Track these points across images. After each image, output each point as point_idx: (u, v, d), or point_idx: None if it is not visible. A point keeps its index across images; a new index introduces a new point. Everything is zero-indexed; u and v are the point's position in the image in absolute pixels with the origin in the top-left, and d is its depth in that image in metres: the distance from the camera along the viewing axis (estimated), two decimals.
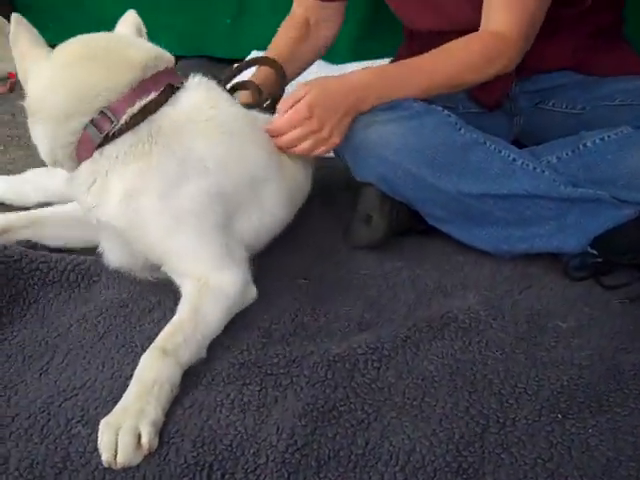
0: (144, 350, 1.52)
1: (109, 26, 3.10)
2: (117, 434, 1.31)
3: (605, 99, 2.08)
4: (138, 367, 1.45)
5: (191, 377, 1.50)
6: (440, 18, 2.09)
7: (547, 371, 1.53)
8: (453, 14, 2.06)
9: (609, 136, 1.88)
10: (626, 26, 2.22)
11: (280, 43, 2.28)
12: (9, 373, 1.52)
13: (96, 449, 1.32)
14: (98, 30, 3.27)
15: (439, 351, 1.60)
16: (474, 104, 2.20)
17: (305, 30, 2.30)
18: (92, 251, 1.84)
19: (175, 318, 1.58)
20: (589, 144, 1.88)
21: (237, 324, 1.67)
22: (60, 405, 1.42)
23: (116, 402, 1.41)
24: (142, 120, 1.61)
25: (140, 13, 3.27)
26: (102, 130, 1.60)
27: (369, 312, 1.74)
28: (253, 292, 1.71)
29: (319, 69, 3.03)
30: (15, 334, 1.64)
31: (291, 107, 1.77)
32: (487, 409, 1.43)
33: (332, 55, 3.11)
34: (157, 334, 1.56)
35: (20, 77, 1.68)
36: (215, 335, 1.60)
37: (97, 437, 1.33)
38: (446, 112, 1.91)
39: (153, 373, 1.43)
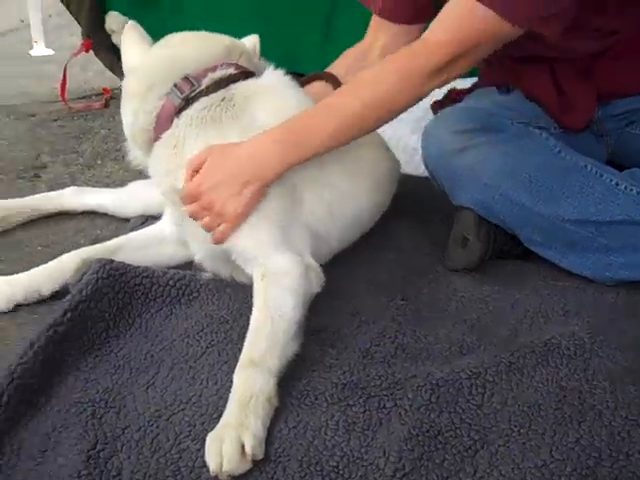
0: None
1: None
2: (222, 446, 1.33)
3: None
4: (233, 382, 1.47)
5: (294, 396, 1.51)
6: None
7: None
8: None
9: None
10: None
11: (339, 63, 2.18)
12: (117, 385, 1.55)
13: (205, 465, 1.33)
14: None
15: (544, 378, 1.56)
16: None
17: (366, 53, 2.14)
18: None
19: (252, 322, 1.58)
20: None
21: (337, 343, 1.67)
22: (168, 419, 1.44)
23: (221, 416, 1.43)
24: (219, 88, 1.72)
25: (228, 28, 3.37)
26: (182, 91, 1.70)
27: (469, 335, 1.72)
28: (320, 277, 1.72)
29: None
30: (121, 347, 1.66)
31: (192, 173, 1.67)
32: (598, 441, 1.40)
33: None
34: None
35: (124, 68, 1.85)
36: (295, 324, 1.58)
37: (205, 452, 1.34)
38: (544, 135, 1.89)
39: (247, 387, 1.44)
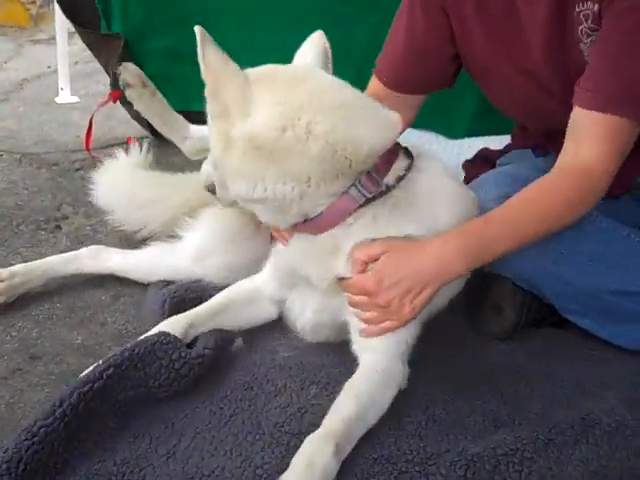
0: (272, 437, 1.51)
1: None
2: None
3: None
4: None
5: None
6: (546, 122, 1.98)
7: None
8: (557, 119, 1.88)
9: None
10: None
11: None
12: (136, 455, 1.48)
13: None
14: None
15: (584, 456, 1.49)
16: None
17: None
18: None
19: (349, 406, 1.52)
20: None
21: None
22: None
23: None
24: (398, 183, 1.59)
25: (257, 45, 3.36)
26: (369, 191, 1.55)
27: (504, 408, 1.65)
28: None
29: (436, 144, 3.05)
30: (143, 413, 1.60)
31: (363, 265, 1.59)
32: None
33: (450, 129, 3.12)
34: (285, 420, 1.55)
35: (209, 93, 1.57)
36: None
37: None
38: None
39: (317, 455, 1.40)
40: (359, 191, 1.54)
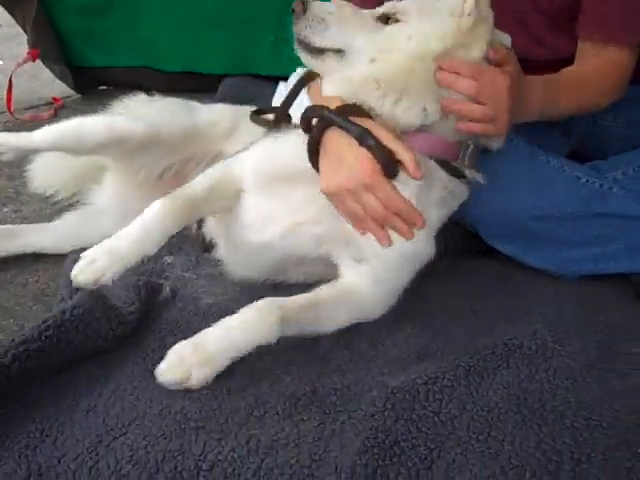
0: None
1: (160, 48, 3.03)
2: None
3: None
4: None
5: (245, 410, 1.44)
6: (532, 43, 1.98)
7: (622, 401, 1.44)
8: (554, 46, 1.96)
9: None
10: None
11: None
12: (57, 411, 1.45)
13: None
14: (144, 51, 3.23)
15: (504, 380, 1.51)
16: None
17: None
18: None
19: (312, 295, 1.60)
20: None
21: (290, 353, 1.60)
22: (109, 445, 1.36)
23: (166, 438, 1.37)
24: None
25: (184, 33, 3.32)
26: None
27: (428, 340, 1.66)
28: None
29: None
30: (71, 370, 1.56)
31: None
32: (559, 444, 1.34)
33: None
34: None
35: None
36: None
37: (147, 476, 1.28)
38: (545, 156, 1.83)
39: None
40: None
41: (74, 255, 1.93)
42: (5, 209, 2.34)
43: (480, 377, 1.51)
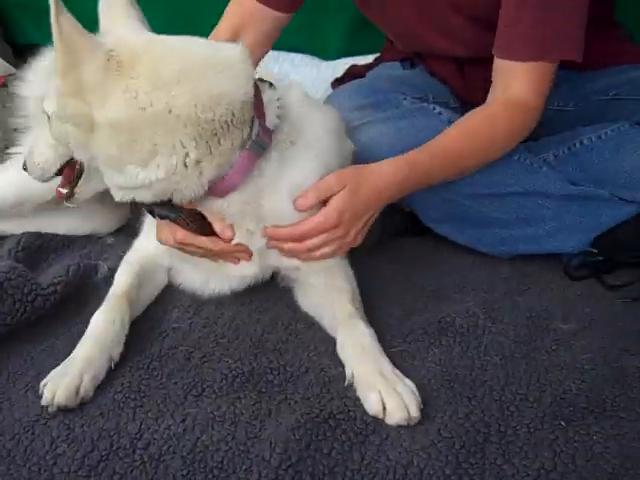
0: (132, 361, 1.53)
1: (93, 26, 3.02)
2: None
3: (598, 94, 2.00)
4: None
5: (182, 389, 1.46)
6: (454, 44, 1.97)
7: (549, 375, 1.49)
8: (469, 40, 1.94)
9: (606, 133, 1.82)
10: (619, 9, 2.10)
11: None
12: None
13: (81, 468, 1.28)
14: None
15: (437, 358, 1.55)
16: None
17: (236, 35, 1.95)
18: None
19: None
20: (585, 142, 1.83)
21: (228, 333, 1.63)
22: (46, 423, 1.37)
23: (103, 417, 1.38)
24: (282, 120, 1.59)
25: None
26: (266, 140, 1.52)
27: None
28: None
29: (310, 66, 3.02)
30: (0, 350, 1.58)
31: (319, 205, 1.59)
32: (488, 417, 1.38)
33: (323, 51, 3.09)
34: (144, 345, 1.58)
35: (61, 69, 1.38)
36: None
37: (82, 455, 1.30)
38: (437, 110, 1.86)
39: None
40: (255, 143, 1.50)
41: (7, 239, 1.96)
42: None
43: (412, 357, 1.55)
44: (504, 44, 1.72)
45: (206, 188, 1.49)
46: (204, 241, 1.58)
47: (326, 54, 3.06)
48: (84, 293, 1.77)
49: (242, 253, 1.62)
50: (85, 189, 1.58)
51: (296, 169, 1.57)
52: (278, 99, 1.57)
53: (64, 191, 1.59)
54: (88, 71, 1.37)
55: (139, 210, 1.83)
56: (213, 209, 1.56)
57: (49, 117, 1.49)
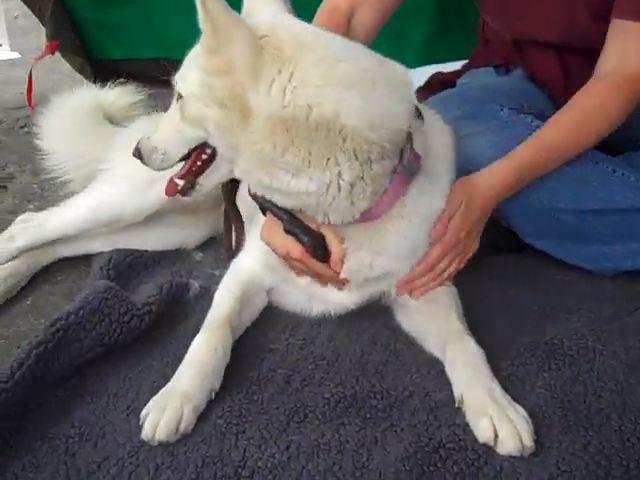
0: (232, 383, 1.48)
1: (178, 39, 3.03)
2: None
3: None
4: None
5: (284, 414, 1.42)
6: (552, 28, 1.90)
7: None
8: (569, 24, 1.87)
9: None
10: None
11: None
12: (94, 414, 1.44)
13: None
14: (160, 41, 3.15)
15: (547, 383, 1.48)
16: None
17: (344, 22, 1.85)
18: None
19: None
20: None
21: (326, 354, 1.59)
22: (150, 450, 1.34)
23: (205, 443, 1.35)
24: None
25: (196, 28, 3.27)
26: (415, 166, 1.47)
27: None
28: None
29: None
30: (98, 372, 1.55)
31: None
32: (608, 448, 1.31)
33: (401, 55, 3.01)
34: (241, 367, 1.54)
35: (208, 45, 1.33)
36: None
37: None
38: (535, 123, 1.79)
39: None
40: (406, 168, 1.45)
41: (98, 256, 1.94)
42: (30, 206, 2.32)
43: (522, 383, 1.49)
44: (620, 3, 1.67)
45: (357, 217, 1.45)
46: (319, 267, 1.54)
47: (405, 61, 2.99)
48: (176, 311, 1.75)
49: (335, 281, 1.59)
50: (209, 180, 1.50)
51: (434, 199, 1.55)
52: (423, 125, 1.52)
53: (180, 183, 1.51)
54: (238, 52, 1.31)
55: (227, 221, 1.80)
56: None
57: (181, 99, 1.42)
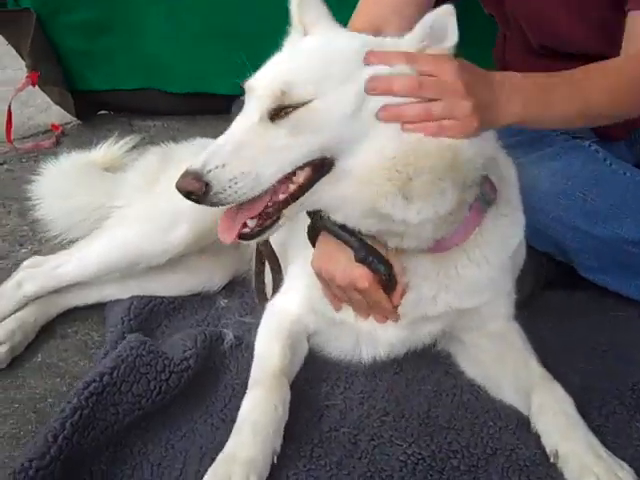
0: (290, 448, 1.31)
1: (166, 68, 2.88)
2: None
3: None
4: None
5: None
6: (591, 31, 1.78)
7: None
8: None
9: None
10: None
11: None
12: None
13: None
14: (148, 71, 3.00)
15: None
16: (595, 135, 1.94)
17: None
18: None
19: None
20: None
21: (390, 409, 1.43)
22: None
23: None
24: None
25: (190, 50, 3.13)
26: (492, 198, 1.38)
27: None
28: None
29: None
30: (136, 438, 1.37)
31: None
32: None
33: None
34: (295, 427, 1.36)
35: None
36: None
37: None
38: (594, 147, 1.67)
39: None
40: (484, 199, 1.36)
41: (114, 305, 1.76)
42: (23, 250, 2.12)
43: (614, 435, 1.35)
44: None
45: (430, 245, 1.34)
46: (384, 298, 1.37)
47: None
48: (212, 365, 1.57)
49: (392, 314, 1.42)
50: (297, 208, 1.30)
51: (509, 230, 1.44)
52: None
53: (251, 223, 1.28)
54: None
55: (260, 261, 1.64)
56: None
57: (302, 109, 1.23)
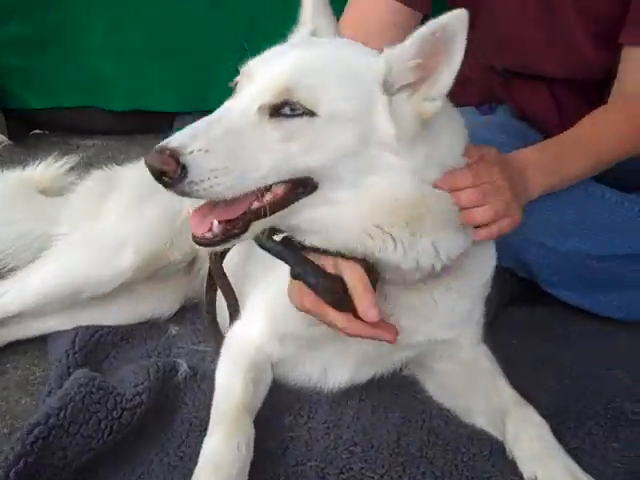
0: None
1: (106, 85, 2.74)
2: None
3: None
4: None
5: None
6: (523, 60, 1.79)
7: None
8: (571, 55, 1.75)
9: None
10: None
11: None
12: None
13: None
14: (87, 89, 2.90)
15: (619, 455, 1.31)
16: None
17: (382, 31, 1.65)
18: None
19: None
20: None
21: (357, 439, 1.36)
22: None
23: None
24: None
25: (130, 66, 3.03)
26: None
27: None
28: None
29: None
30: None
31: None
32: None
33: None
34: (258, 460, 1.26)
35: None
36: None
37: None
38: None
39: None
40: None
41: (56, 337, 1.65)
42: None
43: (591, 456, 1.31)
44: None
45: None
46: (335, 317, 1.22)
47: None
48: (165, 399, 1.47)
49: (386, 334, 1.25)
50: (262, 223, 1.17)
51: (485, 260, 1.40)
52: None
53: (218, 228, 1.13)
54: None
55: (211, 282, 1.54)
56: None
57: (314, 119, 1.11)
